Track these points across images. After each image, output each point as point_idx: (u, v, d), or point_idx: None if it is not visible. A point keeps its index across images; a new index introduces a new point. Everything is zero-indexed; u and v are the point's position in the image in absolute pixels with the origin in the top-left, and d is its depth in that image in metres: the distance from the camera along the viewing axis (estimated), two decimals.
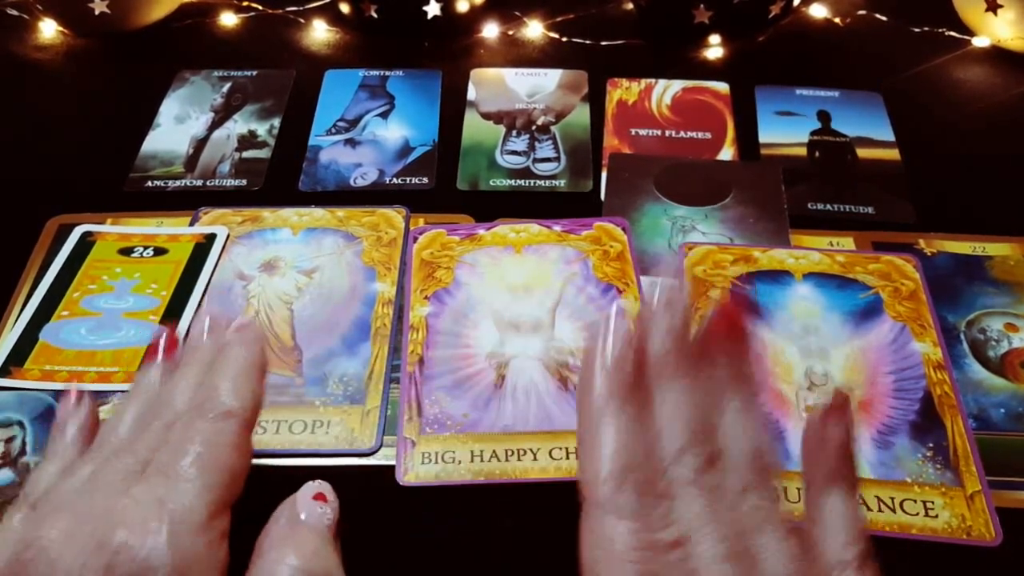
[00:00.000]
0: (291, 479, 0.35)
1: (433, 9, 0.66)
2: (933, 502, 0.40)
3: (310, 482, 0.32)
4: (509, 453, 0.42)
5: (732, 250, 0.51)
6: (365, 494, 0.40)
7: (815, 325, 0.47)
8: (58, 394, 0.44)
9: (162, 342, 0.35)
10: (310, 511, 0.31)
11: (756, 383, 0.28)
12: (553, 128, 0.62)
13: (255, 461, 0.36)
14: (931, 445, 0.42)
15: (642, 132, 0.61)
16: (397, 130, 0.62)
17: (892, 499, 0.40)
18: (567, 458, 0.42)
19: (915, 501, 0.40)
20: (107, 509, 0.27)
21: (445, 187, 0.57)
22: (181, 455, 0.28)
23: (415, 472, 0.41)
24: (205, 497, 0.28)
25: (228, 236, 0.52)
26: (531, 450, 0.42)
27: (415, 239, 0.52)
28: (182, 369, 0.33)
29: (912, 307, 0.48)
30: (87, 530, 0.26)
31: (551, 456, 0.42)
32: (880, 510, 0.40)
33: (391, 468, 0.42)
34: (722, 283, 0.49)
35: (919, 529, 0.39)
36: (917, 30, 0.70)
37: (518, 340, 0.47)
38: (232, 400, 0.30)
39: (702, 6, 0.65)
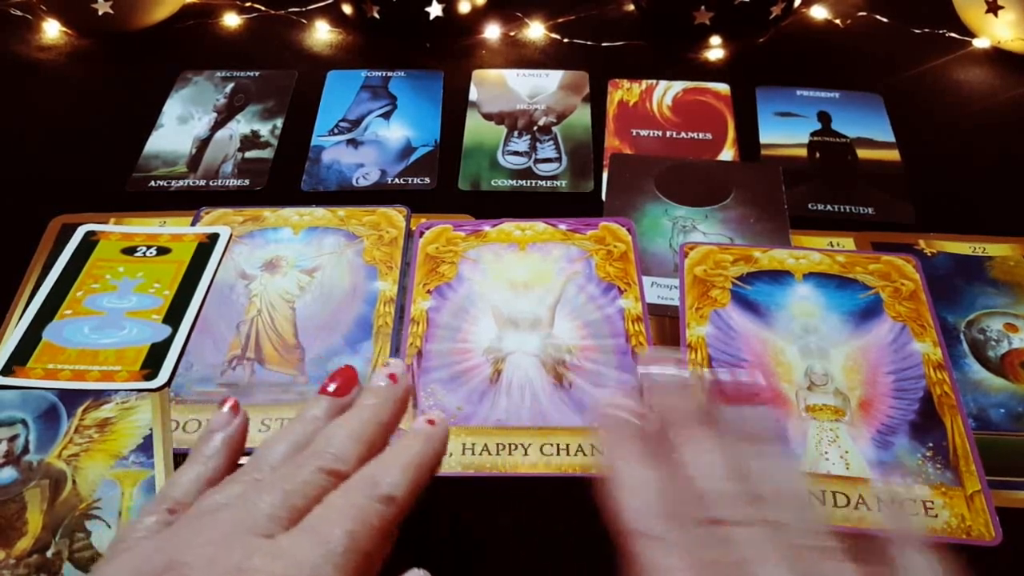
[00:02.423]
0: None
1: (435, 10, 0.67)
2: (933, 502, 0.40)
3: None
4: (500, 447, 0.42)
5: (732, 250, 0.51)
6: None
7: (815, 325, 0.47)
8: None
9: (337, 379, 0.34)
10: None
11: (781, 437, 0.29)
12: (554, 129, 0.62)
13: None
14: (931, 445, 0.42)
15: (643, 133, 0.61)
16: (399, 130, 0.62)
17: None
18: (558, 454, 0.42)
19: (915, 501, 0.40)
20: (248, 549, 0.26)
21: (447, 187, 0.58)
22: (336, 524, 0.27)
23: None
24: None
25: (231, 236, 0.53)
26: (522, 445, 0.42)
27: (421, 233, 0.52)
28: (351, 413, 0.32)
29: (912, 307, 0.48)
30: (224, 566, 0.26)
31: (542, 452, 0.42)
32: (880, 510, 0.40)
33: None
34: (722, 283, 0.49)
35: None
36: (917, 31, 0.70)
37: (516, 336, 0.47)
38: (400, 490, 0.29)
39: (703, 7, 0.65)
